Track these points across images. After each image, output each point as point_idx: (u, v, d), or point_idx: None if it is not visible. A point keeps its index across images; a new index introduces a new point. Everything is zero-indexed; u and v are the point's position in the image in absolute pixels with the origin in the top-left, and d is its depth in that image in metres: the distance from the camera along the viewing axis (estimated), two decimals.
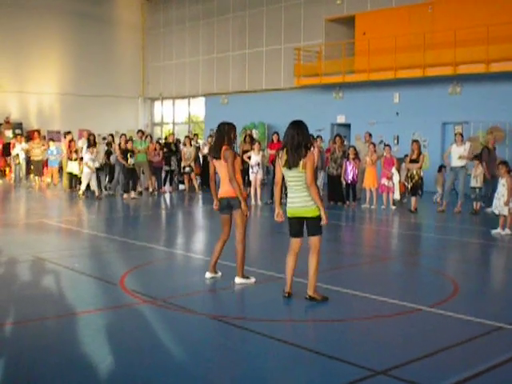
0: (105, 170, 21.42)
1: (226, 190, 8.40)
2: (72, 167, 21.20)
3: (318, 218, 7.45)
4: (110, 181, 21.26)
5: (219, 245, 8.59)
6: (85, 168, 19.51)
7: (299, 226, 7.60)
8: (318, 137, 20.23)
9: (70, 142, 21.80)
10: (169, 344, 6.02)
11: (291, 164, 7.42)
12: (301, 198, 7.47)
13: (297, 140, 7.37)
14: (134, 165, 19.90)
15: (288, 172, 7.49)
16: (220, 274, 8.73)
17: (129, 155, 19.47)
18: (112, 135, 22.81)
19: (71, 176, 21.38)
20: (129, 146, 19.87)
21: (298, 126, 7.49)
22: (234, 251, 8.41)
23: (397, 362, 5.49)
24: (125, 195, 19.48)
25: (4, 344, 6.03)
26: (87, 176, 19.49)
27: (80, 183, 20.43)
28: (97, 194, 19.38)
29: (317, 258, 7.55)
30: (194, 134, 26.99)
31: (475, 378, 5.20)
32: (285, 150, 7.47)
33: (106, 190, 21.20)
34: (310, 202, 7.42)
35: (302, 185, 7.45)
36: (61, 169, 24.19)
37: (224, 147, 8.34)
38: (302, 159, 7.35)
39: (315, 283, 7.54)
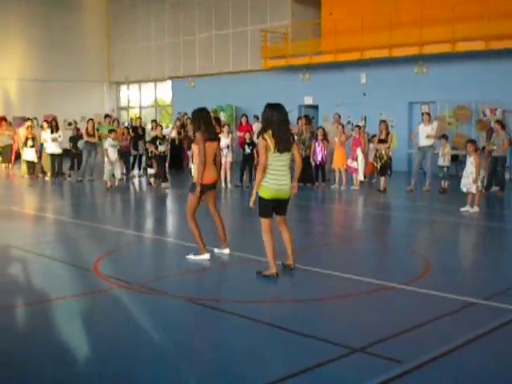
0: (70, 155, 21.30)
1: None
2: (28, 154, 21.01)
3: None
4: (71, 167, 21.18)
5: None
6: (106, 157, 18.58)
7: (273, 206, 7.79)
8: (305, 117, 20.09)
9: (28, 128, 21.62)
10: (146, 327, 6.01)
11: (284, 148, 7.57)
12: (288, 180, 7.72)
13: (287, 124, 7.68)
14: (164, 152, 19.10)
15: (280, 156, 7.59)
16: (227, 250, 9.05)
17: (158, 142, 18.75)
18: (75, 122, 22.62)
19: (28, 163, 21.16)
20: (158, 133, 19.15)
21: (283, 110, 7.69)
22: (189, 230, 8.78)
23: (374, 339, 5.54)
24: (163, 184, 18.58)
25: None
26: (108, 165, 18.45)
27: (35, 169, 20.48)
28: (109, 184, 18.28)
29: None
30: (137, 118, 26.38)
31: (452, 352, 5.28)
32: (270, 133, 7.51)
33: (69, 176, 21.01)
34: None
35: (288, 168, 7.75)
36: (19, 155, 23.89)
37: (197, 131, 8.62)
38: (293, 143, 7.68)
39: None
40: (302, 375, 4.82)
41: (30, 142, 20.89)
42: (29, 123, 21.94)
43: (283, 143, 7.54)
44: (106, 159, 18.57)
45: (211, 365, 5.13)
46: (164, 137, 19.52)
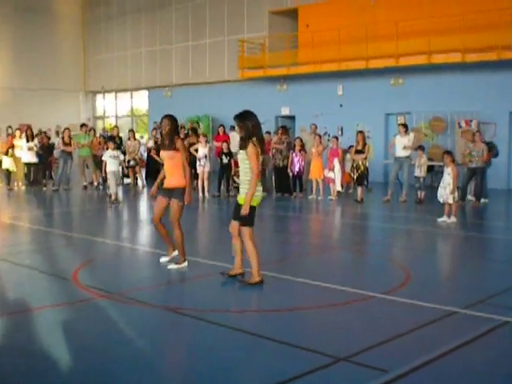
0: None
1: (171, 180, 8.74)
2: (7, 163, 20.79)
3: None
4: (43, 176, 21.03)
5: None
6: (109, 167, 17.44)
7: None
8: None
9: (8, 136, 21.48)
10: (127, 337, 5.97)
11: (262, 153, 7.72)
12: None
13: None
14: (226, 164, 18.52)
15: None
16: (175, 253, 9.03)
17: (223, 155, 18.41)
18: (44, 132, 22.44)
19: (7, 172, 20.95)
20: (225, 147, 18.73)
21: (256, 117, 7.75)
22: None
23: (358, 348, 5.55)
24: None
25: None
26: (113, 176, 17.34)
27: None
28: (113, 197, 17.12)
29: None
30: (114, 128, 25.99)
31: (436, 360, 5.30)
32: (255, 140, 7.59)
33: (44, 185, 20.82)
34: None
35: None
36: None
37: (178, 138, 8.56)
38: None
39: None
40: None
41: (10, 151, 20.66)
42: (17, 132, 21.82)
43: (263, 150, 7.68)
44: (109, 173, 17.39)
45: (194, 375, 5.09)
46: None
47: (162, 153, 8.83)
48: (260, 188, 7.73)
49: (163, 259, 9.08)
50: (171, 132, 8.72)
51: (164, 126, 8.75)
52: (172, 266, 8.74)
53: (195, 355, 5.58)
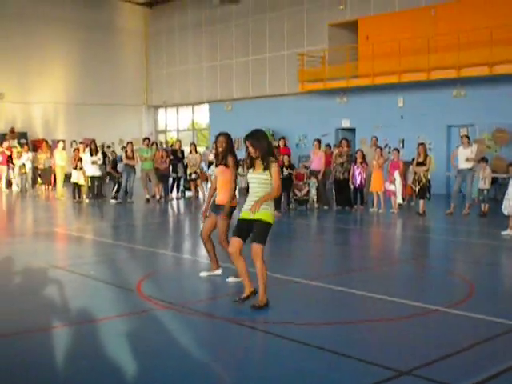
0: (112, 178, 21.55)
1: (219, 196, 8.93)
2: (76, 177, 21.21)
3: None
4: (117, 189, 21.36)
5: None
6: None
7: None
8: None
9: (75, 151, 21.95)
10: (190, 349, 6.05)
11: None
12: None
13: None
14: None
15: None
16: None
17: (284, 168, 17.69)
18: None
19: (75, 185, 21.37)
20: (285, 160, 18.32)
21: None
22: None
23: (420, 362, 5.51)
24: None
25: (25, 351, 6.06)
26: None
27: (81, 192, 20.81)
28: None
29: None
30: (177, 141, 26.02)
31: (501, 374, 5.23)
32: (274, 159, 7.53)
33: (115, 198, 21.18)
34: None
35: None
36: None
37: (230, 155, 8.88)
38: None
39: None
40: None
41: (79, 165, 21.12)
42: (80, 146, 22.42)
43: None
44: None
45: None
46: None
47: (216, 169, 9.05)
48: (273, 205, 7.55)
49: (203, 274, 9.21)
50: (226, 149, 8.88)
51: (220, 143, 8.89)
52: (230, 279, 8.77)
53: (255, 366, 5.61)
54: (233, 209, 8.84)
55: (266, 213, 7.32)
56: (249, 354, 6.08)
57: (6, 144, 25.52)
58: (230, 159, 8.79)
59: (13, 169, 25.84)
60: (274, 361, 5.68)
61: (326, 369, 5.50)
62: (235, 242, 7.43)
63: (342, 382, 5.15)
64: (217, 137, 9.02)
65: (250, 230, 7.41)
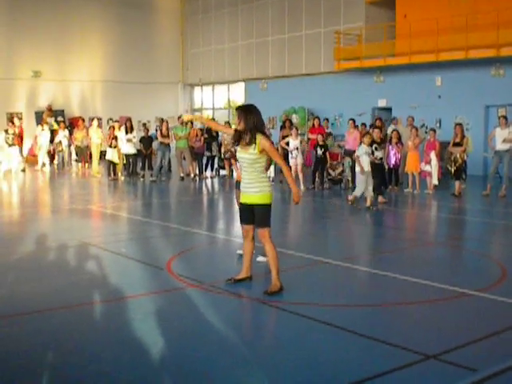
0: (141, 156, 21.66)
1: None
2: (111, 154, 21.33)
3: None
4: (143, 167, 21.45)
5: None
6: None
7: None
8: None
9: (111, 128, 22.07)
10: (217, 327, 6.07)
11: None
12: None
13: None
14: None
15: None
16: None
17: (374, 147, 15.17)
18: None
19: (110, 163, 21.51)
20: (319, 139, 18.49)
21: None
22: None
23: (448, 346, 5.46)
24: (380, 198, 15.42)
25: (56, 327, 6.15)
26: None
27: (116, 169, 20.96)
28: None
29: None
30: (212, 119, 26.08)
31: None
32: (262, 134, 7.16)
33: (142, 176, 21.26)
34: None
35: None
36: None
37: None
38: None
39: None
40: (376, 380, 4.79)
41: (113, 143, 21.24)
42: (115, 124, 22.55)
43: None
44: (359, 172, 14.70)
45: (282, 366, 5.13)
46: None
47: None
48: (270, 184, 7.33)
49: (260, 259, 8.70)
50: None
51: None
52: (260, 259, 8.60)
53: (283, 347, 5.61)
54: None
55: (263, 195, 7.12)
56: (273, 334, 6.08)
57: (17, 122, 25.39)
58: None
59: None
60: (297, 342, 5.67)
61: (349, 351, 5.48)
62: (245, 231, 7.43)
63: (366, 364, 5.12)
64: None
65: (253, 211, 7.24)
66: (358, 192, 14.56)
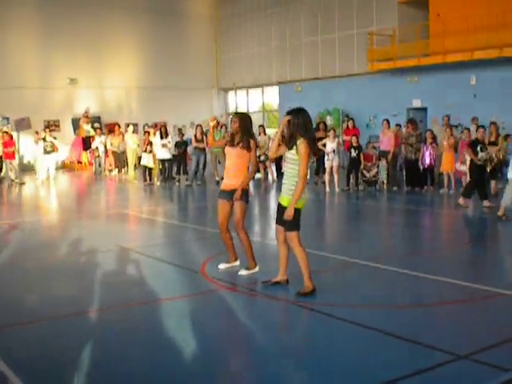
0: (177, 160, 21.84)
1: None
2: (146, 160, 21.53)
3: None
4: (178, 172, 21.63)
5: None
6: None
7: None
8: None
9: (145, 134, 22.30)
10: (252, 329, 6.14)
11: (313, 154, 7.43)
12: None
13: None
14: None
15: None
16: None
17: (479, 148, 14.88)
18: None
19: (146, 168, 21.71)
20: (354, 141, 18.73)
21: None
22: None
23: (480, 346, 5.46)
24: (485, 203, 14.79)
25: (92, 328, 6.28)
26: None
27: (152, 175, 21.19)
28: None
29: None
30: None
31: None
32: (307, 139, 7.11)
33: (178, 181, 21.43)
34: None
35: None
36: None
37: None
38: None
39: None
40: (407, 380, 4.81)
41: (148, 148, 21.46)
42: (150, 130, 22.80)
43: (314, 151, 7.30)
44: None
45: (313, 366, 5.18)
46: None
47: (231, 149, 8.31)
48: (306, 190, 7.26)
49: (222, 266, 8.64)
50: (243, 130, 8.12)
51: (233, 123, 8.20)
52: (242, 272, 8.32)
53: (315, 347, 5.67)
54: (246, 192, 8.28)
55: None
56: (305, 335, 6.13)
57: (42, 133, 25.54)
58: (251, 142, 8.13)
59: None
60: (328, 342, 5.72)
61: (380, 351, 5.51)
62: (278, 229, 7.44)
63: (396, 364, 5.15)
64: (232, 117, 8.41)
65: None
66: (507, 201, 12.71)
